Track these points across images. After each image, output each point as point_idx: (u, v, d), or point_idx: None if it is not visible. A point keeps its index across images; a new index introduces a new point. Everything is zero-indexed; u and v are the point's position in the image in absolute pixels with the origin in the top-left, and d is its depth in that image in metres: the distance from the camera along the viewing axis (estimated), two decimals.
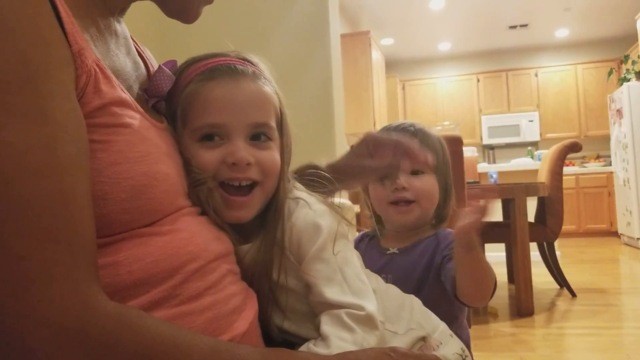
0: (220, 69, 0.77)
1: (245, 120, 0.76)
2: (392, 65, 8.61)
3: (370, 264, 1.07)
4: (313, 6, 2.64)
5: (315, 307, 0.77)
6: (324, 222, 0.77)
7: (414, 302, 0.91)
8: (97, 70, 0.63)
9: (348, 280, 0.76)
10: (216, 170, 0.75)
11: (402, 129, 1.15)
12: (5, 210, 0.50)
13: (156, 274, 0.63)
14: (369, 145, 1.00)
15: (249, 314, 0.73)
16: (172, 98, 0.78)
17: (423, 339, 0.85)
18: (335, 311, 0.74)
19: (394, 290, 0.92)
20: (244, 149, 0.75)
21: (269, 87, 0.80)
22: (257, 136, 0.78)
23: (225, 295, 0.70)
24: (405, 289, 0.99)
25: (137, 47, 0.86)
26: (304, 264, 0.76)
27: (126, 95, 0.67)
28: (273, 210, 0.79)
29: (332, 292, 0.74)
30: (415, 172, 1.11)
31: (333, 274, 0.76)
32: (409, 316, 0.87)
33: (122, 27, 0.80)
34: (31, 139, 0.52)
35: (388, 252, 1.16)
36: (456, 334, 0.99)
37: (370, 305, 0.74)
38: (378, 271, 1.05)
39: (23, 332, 0.49)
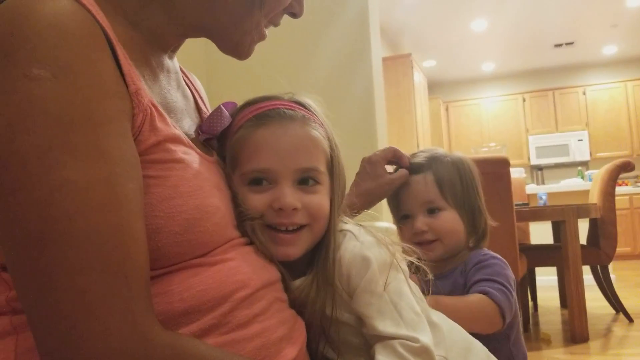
0: (269, 114, 0.78)
1: (293, 165, 0.77)
2: (435, 86, 8.58)
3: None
4: (354, 30, 2.66)
5: (370, 339, 0.77)
6: (372, 254, 0.77)
7: (480, 347, 0.89)
8: (152, 108, 0.65)
9: (401, 313, 0.75)
10: (263, 214, 0.76)
11: (415, 156, 1.16)
12: (68, 245, 0.52)
13: (206, 301, 0.64)
14: (367, 168, 1.15)
15: (298, 342, 0.74)
16: (224, 139, 0.81)
17: None
18: (390, 342, 0.73)
19: (459, 330, 0.90)
20: (290, 195, 0.76)
21: (319, 131, 0.80)
22: (305, 180, 0.78)
23: (273, 322, 0.70)
24: None
25: (186, 78, 0.89)
26: (355, 297, 0.76)
27: (178, 132, 0.70)
28: (323, 249, 0.80)
29: (384, 325, 0.74)
30: (432, 210, 1.11)
31: (385, 306, 0.75)
32: None
33: (174, 63, 0.83)
34: (91, 176, 0.55)
35: (425, 278, 1.14)
36: (511, 352, 0.98)
37: (425, 337, 0.74)
38: None
39: None
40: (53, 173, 0.53)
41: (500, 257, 1.13)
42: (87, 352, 0.51)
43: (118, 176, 0.57)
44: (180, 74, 0.85)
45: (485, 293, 1.02)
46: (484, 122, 8.73)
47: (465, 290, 1.07)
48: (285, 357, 0.70)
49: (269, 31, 0.83)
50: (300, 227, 0.78)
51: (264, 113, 0.79)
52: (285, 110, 0.79)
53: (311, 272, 0.79)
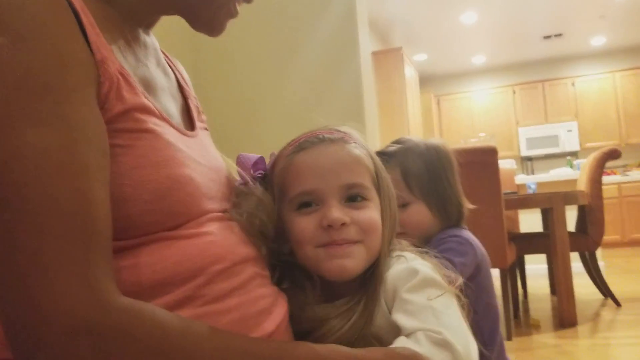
0: (308, 140, 0.80)
1: (337, 182, 0.76)
2: (426, 80, 8.62)
3: None
4: (341, 23, 2.67)
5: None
6: (421, 268, 0.75)
7: None
8: (120, 78, 0.66)
9: (440, 316, 0.70)
10: (314, 236, 0.76)
11: (387, 147, 1.13)
12: (25, 209, 0.53)
13: (179, 273, 0.65)
14: None
15: (278, 315, 0.74)
16: (272, 178, 0.82)
17: None
18: (413, 333, 0.69)
19: None
20: (337, 210, 0.75)
21: (360, 149, 0.81)
22: (353, 197, 0.77)
23: (252, 297, 0.71)
24: None
25: (168, 60, 0.90)
26: (395, 304, 0.74)
27: (149, 103, 0.70)
28: (373, 268, 0.78)
29: (412, 322, 0.70)
30: (401, 205, 1.04)
31: (423, 311, 0.71)
32: None
33: (152, 39, 0.84)
34: (50, 142, 0.55)
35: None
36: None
37: (451, 334, 0.68)
38: None
39: (37, 325, 0.51)
40: (11, 139, 0.54)
41: (466, 236, 1.13)
42: (41, 313, 0.51)
43: (78, 142, 0.57)
44: (160, 52, 0.86)
45: None
46: (474, 115, 8.78)
47: None
48: (263, 330, 0.70)
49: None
50: (354, 243, 0.76)
51: (304, 141, 0.80)
52: (324, 135, 0.80)
53: (358, 293, 0.77)
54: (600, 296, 3.87)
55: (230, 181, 0.84)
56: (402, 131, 6.36)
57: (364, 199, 0.78)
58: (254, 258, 0.76)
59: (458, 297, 0.75)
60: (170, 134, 0.71)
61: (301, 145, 0.80)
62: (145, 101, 0.69)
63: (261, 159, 0.84)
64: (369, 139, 2.69)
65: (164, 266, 0.64)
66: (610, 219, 7.30)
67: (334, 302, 0.78)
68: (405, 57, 6.55)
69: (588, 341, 2.81)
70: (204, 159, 0.78)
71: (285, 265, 0.81)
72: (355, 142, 0.81)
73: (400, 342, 0.68)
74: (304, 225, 0.76)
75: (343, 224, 0.75)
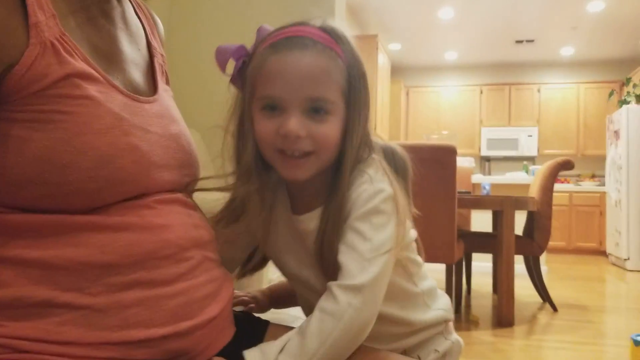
0: (283, 43, 0.81)
1: (301, 94, 0.79)
2: (397, 70, 8.66)
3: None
4: (319, 5, 2.68)
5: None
6: (384, 186, 0.81)
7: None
8: (57, 43, 0.67)
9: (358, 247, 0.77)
10: (273, 139, 0.80)
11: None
12: None
13: (128, 257, 0.66)
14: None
15: (223, 300, 0.77)
16: (247, 65, 0.84)
17: (446, 321, 0.95)
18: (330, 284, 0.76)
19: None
20: (295, 123, 0.78)
21: (335, 61, 0.81)
22: (316, 109, 0.80)
23: (199, 281, 0.73)
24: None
25: (143, 14, 0.91)
26: (350, 220, 0.80)
27: (91, 70, 0.71)
28: (337, 179, 0.82)
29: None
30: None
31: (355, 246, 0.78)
32: (442, 299, 0.96)
33: (125, 9, 0.85)
34: None
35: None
36: None
37: (364, 277, 0.75)
38: None
39: None
40: None
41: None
42: None
43: None
44: (132, 13, 0.87)
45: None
46: (441, 110, 8.87)
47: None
48: (208, 314, 0.73)
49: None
50: (308, 154, 0.80)
51: (279, 41, 0.81)
52: (299, 39, 0.81)
53: (321, 206, 0.83)
54: (539, 299, 4.01)
55: (189, 146, 0.85)
56: (370, 119, 6.39)
57: (326, 112, 0.80)
58: (205, 242, 0.78)
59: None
60: (115, 102, 0.72)
61: (275, 46, 0.81)
62: (88, 68, 0.70)
63: (241, 47, 0.85)
64: None
65: (113, 248, 0.65)
66: (558, 225, 7.54)
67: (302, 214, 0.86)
68: (380, 44, 6.57)
69: (522, 342, 2.91)
70: (158, 126, 0.78)
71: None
72: (333, 51, 0.82)
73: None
74: (265, 128, 0.80)
75: (297, 137, 0.78)
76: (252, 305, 1.06)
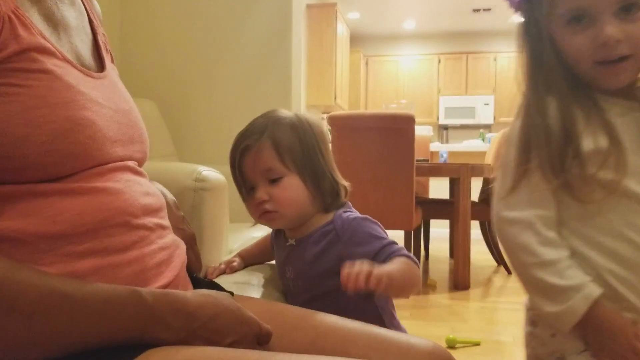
0: None
1: None
2: (357, 40, 8.63)
3: (278, 256, 1.15)
4: None
5: None
6: None
7: None
8: (14, 17, 0.66)
9: None
10: (591, 53, 0.79)
11: (253, 122, 1.07)
12: None
13: (80, 226, 0.66)
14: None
15: (176, 266, 0.78)
16: None
17: None
18: None
19: None
20: (612, 28, 0.76)
21: None
22: (627, 8, 0.77)
23: (152, 249, 0.74)
24: (308, 280, 1.05)
25: None
26: None
27: (48, 44, 0.70)
28: None
29: None
30: (273, 180, 1.02)
31: None
32: None
33: None
34: None
35: (287, 243, 1.11)
36: (376, 307, 1.06)
37: None
38: (283, 264, 1.11)
39: None
40: None
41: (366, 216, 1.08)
42: None
43: None
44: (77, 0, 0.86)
45: (406, 256, 0.98)
46: (400, 79, 8.91)
47: (341, 260, 0.93)
48: (161, 281, 0.74)
49: None
50: (626, 57, 0.78)
51: None
52: None
53: None
54: (494, 263, 4.14)
55: (139, 122, 0.85)
56: (330, 89, 6.39)
57: (639, 9, 0.78)
58: (156, 209, 0.79)
59: None
60: (71, 76, 0.71)
61: None
62: (44, 42, 0.70)
63: None
64: (294, 92, 2.70)
65: (65, 218, 0.65)
66: None
67: None
68: (339, 13, 6.53)
69: (477, 304, 3.01)
70: (110, 101, 0.78)
71: None
72: None
73: None
74: (577, 45, 0.80)
75: (617, 41, 0.77)
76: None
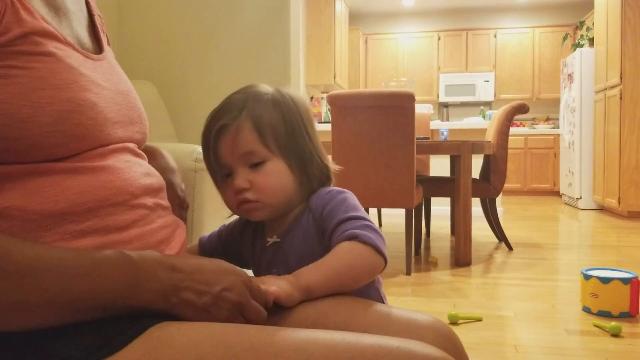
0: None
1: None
2: (356, 18, 8.58)
3: (255, 260, 0.98)
4: None
5: None
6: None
7: None
8: (16, 1, 0.67)
9: None
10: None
11: (229, 98, 0.95)
12: None
13: (81, 204, 0.68)
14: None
15: (177, 244, 0.80)
16: None
17: None
18: None
19: None
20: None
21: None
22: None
23: (153, 227, 0.76)
24: None
25: None
26: None
27: (50, 27, 0.71)
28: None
29: None
30: (254, 164, 0.89)
31: None
32: None
33: None
34: None
35: (269, 243, 0.95)
36: (378, 290, 0.95)
37: None
38: (268, 266, 0.95)
39: None
40: None
41: (346, 190, 0.96)
42: None
43: None
44: None
45: (354, 237, 0.85)
46: (399, 57, 8.87)
47: (325, 239, 0.90)
48: None
49: None
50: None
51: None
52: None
53: None
54: (495, 240, 4.16)
55: (138, 103, 0.86)
56: (329, 67, 6.37)
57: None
58: (156, 189, 0.80)
59: None
60: (73, 58, 0.73)
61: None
62: (46, 25, 0.71)
63: None
64: (293, 72, 2.70)
65: (66, 197, 0.67)
66: (513, 168, 7.75)
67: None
68: None
69: (479, 280, 3.03)
70: (110, 82, 0.79)
71: None
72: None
73: None
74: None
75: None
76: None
